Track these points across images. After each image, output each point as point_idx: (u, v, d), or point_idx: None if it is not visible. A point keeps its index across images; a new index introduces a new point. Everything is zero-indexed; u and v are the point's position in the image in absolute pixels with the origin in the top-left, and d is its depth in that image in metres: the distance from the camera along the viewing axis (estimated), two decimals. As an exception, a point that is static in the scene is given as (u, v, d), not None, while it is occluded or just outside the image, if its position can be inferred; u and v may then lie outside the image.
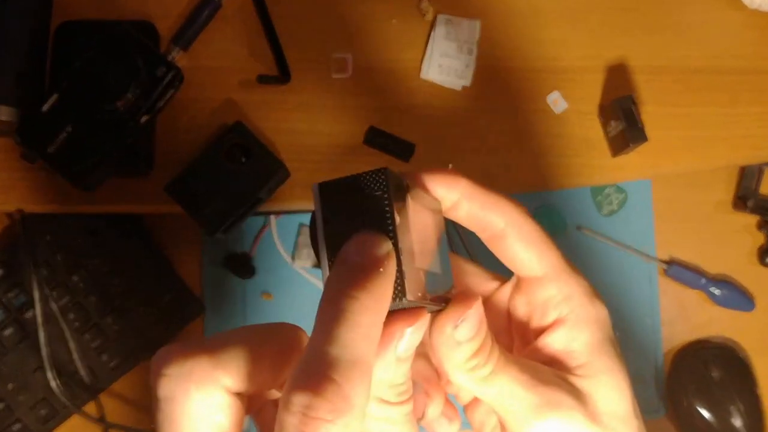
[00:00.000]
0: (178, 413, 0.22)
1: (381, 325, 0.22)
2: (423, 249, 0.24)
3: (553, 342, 0.27)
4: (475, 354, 0.24)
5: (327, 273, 0.23)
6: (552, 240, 0.27)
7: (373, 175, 0.23)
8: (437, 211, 0.26)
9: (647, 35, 0.53)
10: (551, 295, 0.27)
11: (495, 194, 0.27)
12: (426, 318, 0.24)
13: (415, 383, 0.25)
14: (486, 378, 0.25)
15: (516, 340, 0.30)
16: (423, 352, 0.27)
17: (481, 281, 0.30)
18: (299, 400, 0.19)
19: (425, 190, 0.26)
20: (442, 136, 0.52)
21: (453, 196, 0.26)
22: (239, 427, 0.24)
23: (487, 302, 0.30)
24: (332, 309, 0.21)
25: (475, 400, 0.29)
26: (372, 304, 0.21)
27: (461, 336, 0.24)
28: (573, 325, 0.27)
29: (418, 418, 0.26)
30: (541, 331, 0.28)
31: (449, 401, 0.28)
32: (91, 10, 0.52)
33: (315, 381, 0.19)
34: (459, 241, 0.65)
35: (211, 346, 0.23)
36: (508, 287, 0.30)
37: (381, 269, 0.21)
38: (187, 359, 0.23)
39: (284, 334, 0.25)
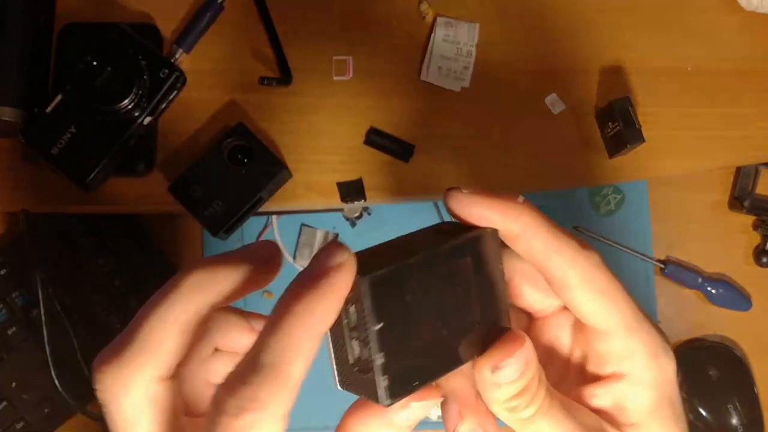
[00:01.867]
0: (116, 417, 0.23)
1: (316, 337, 0.21)
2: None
3: (607, 394, 0.25)
4: (518, 395, 0.22)
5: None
6: (624, 290, 0.24)
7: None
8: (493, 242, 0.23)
9: (645, 37, 0.54)
10: (613, 350, 0.25)
11: (562, 234, 0.24)
12: (437, 399, 0.23)
13: (448, 400, 0.24)
14: (527, 420, 0.23)
15: (570, 371, 0.27)
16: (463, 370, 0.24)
17: (545, 296, 0.27)
18: (219, 396, 0.20)
19: (469, 217, 0.23)
20: (441, 137, 0.52)
21: (511, 228, 0.23)
22: (178, 406, 0.24)
23: (548, 320, 0.28)
24: (271, 316, 0.21)
25: None
26: (304, 316, 0.21)
27: (501, 379, 0.22)
28: (631, 385, 0.25)
29: None
30: (595, 377, 0.25)
31: (487, 417, 0.25)
32: (94, 13, 0.52)
33: (234, 382, 0.20)
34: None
35: (135, 338, 0.23)
36: (570, 316, 0.27)
37: (325, 278, 0.20)
38: (112, 363, 0.23)
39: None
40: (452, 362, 0.23)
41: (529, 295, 0.27)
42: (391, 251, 0.23)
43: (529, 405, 0.23)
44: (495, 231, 0.23)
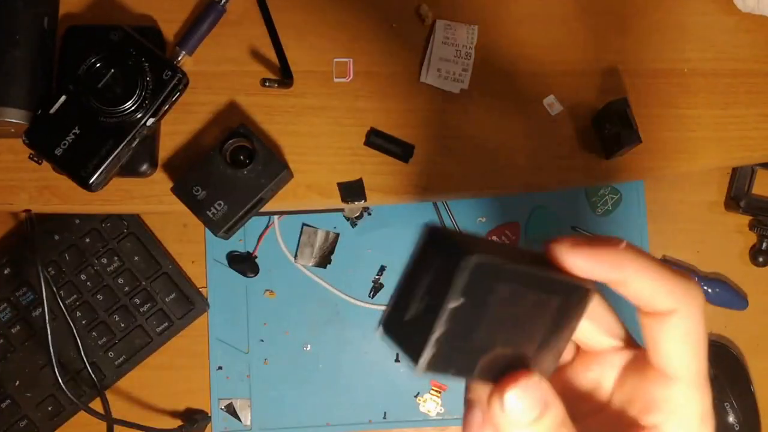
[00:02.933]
0: None
1: None
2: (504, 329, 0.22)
3: None
4: None
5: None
6: (707, 345, 0.24)
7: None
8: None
9: (642, 39, 0.54)
10: (668, 398, 0.24)
11: (672, 276, 0.23)
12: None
13: (474, 406, 0.24)
14: None
15: (604, 415, 0.26)
16: None
17: (596, 332, 0.26)
18: None
19: (574, 270, 0.23)
20: (440, 138, 0.53)
21: (619, 276, 0.23)
22: None
23: (596, 357, 0.27)
24: None
25: None
26: None
27: (511, 412, 0.22)
28: None
29: None
30: (632, 425, 0.25)
31: None
32: (97, 16, 0.53)
33: None
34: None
35: None
36: (624, 356, 0.26)
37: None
38: None
39: None
40: (489, 376, 0.23)
41: (585, 328, 0.26)
42: (502, 249, 0.23)
43: None
44: (592, 291, 0.23)
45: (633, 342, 0.26)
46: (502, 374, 0.22)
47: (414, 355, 0.21)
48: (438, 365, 0.21)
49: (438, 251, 0.21)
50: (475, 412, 0.24)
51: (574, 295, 0.23)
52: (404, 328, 0.22)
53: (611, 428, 0.25)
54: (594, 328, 0.26)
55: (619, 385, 0.26)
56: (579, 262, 0.23)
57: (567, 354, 0.28)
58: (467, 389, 0.25)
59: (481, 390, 0.24)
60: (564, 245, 0.23)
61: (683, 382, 0.24)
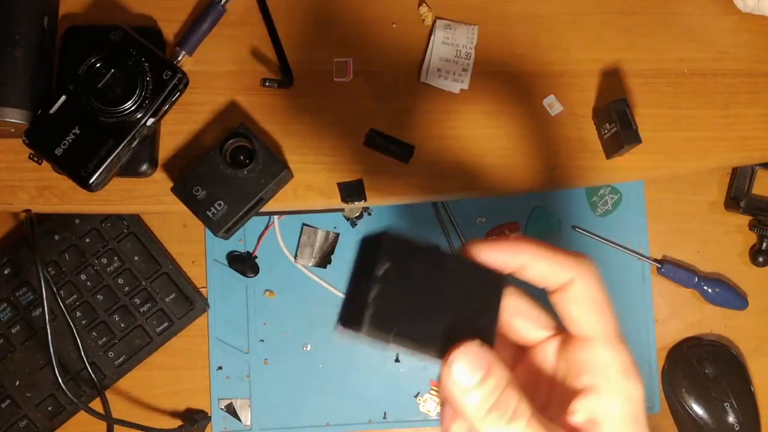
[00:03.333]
0: None
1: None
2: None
3: (583, 408, 0.27)
4: (496, 405, 0.24)
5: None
6: (612, 307, 0.27)
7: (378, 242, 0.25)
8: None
9: (641, 39, 0.54)
10: (591, 359, 0.27)
11: (562, 254, 0.27)
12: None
13: (445, 402, 0.26)
14: (525, 429, 0.24)
15: (554, 394, 0.29)
16: None
17: (530, 327, 0.30)
18: None
19: (484, 263, 0.27)
20: (440, 138, 0.53)
21: (516, 262, 0.27)
22: None
23: (536, 348, 0.30)
24: None
25: None
26: None
27: (462, 379, 0.24)
28: (604, 395, 0.27)
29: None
30: (574, 392, 0.27)
31: None
32: (97, 16, 0.53)
33: None
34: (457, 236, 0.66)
35: None
36: (556, 341, 0.29)
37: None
38: None
39: None
40: (431, 346, 0.25)
41: (520, 326, 0.30)
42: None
43: (511, 420, 0.24)
44: (504, 277, 0.27)
45: (563, 328, 0.29)
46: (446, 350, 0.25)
47: (359, 319, 0.24)
48: (382, 324, 0.24)
49: (368, 248, 0.26)
50: (447, 407, 0.27)
51: (491, 279, 0.27)
52: (353, 312, 0.25)
53: (559, 401, 0.28)
54: (527, 324, 0.30)
55: (557, 365, 0.29)
56: (484, 253, 0.27)
57: (512, 353, 0.31)
58: (441, 388, 0.27)
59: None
60: (473, 243, 0.27)
61: (598, 340, 0.27)
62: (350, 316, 0.25)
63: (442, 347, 0.25)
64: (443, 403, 0.27)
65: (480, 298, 0.26)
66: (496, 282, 0.27)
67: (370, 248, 0.26)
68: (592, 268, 0.27)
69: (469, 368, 0.24)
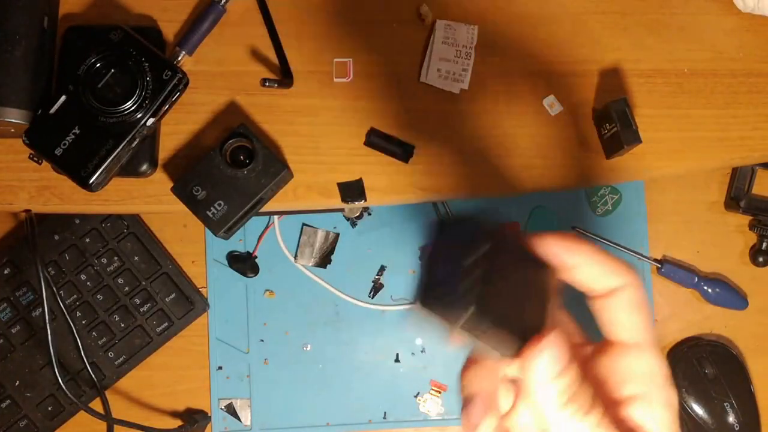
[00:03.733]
0: None
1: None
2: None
3: (632, 416, 0.27)
4: (574, 397, 0.25)
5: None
6: (651, 315, 0.29)
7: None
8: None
9: (642, 39, 0.54)
10: (636, 367, 0.28)
11: (615, 260, 0.28)
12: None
13: (475, 399, 0.27)
14: (593, 428, 0.25)
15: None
16: (494, 371, 0.28)
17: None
18: None
19: (543, 254, 0.27)
20: (440, 138, 0.53)
21: (571, 261, 0.27)
22: None
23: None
24: None
25: None
26: None
27: (547, 368, 0.25)
28: (651, 404, 0.27)
29: (471, 430, 0.27)
30: (615, 401, 0.28)
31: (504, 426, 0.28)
32: (97, 16, 0.53)
33: None
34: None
35: None
36: (588, 350, 0.30)
37: None
38: None
39: None
40: (509, 338, 0.25)
41: None
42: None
43: (590, 409, 0.25)
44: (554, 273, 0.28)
45: (590, 340, 0.30)
46: (524, 339, 0.25)
47: (454, 318, 0.24)
48: (481, 309, 0.24)
49: (454, 231, 0.26)
50: (476, 402, 0.27)
51: (545, 273, 0.27)
52: (441, 293, 0.25)
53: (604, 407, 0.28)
54: (564, 323, 0.29)
55: (596, 371, 0.29)
56: (549, 246, 0.27)
57: None
58: (463, 386, 0.28)
59: (484, 381, 0.27)
60: (539, 234, 0.27)
61: (644, 347, 0.27)
62: (446, 292, 0.25)
63: (520, 339, 0.25)
64: (470, 399, 0.27)
65: (538, 290, 0.27)
66: (548, 276, 0.27)
67: (460, 228, 0.26)
68: (639, 278, 0.28)
69: (553, 359, 0.25)
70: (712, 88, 0.54)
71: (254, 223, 0.66)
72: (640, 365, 0.28)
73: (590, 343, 0.30)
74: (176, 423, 0.63)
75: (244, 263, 0.66)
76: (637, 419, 0.27)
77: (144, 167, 0.51)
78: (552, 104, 0.53)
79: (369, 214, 0.67)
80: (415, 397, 0.66)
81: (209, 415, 0.65)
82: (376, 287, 0.67)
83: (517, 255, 0.26)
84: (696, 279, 0.65)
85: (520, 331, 0.25)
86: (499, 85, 0.53)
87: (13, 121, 0.49)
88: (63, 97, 0.48)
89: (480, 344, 0.26)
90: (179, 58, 0.52)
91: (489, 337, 0.25)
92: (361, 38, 0.53)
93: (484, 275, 0.24)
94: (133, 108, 0.47)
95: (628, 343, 0.28)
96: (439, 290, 0.25)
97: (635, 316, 0.27)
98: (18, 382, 0.63)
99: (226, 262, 0.66)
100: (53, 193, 0.52)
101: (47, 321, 0.55)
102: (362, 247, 0.67)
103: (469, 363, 0.28)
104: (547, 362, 0.25)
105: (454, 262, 0.25)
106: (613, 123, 0.50)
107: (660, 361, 0.28)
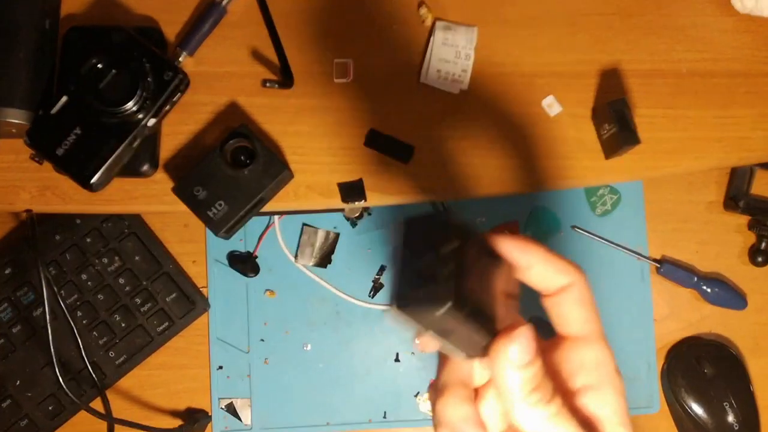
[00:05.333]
0: None
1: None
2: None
3: (586, 405, 0.28)
4: (538, 387, 0.26)
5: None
6: (597, 309, 0.30)
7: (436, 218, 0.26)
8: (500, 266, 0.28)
9: (640, 40, 0.54)
10: (586, 358, 0.29)
11: (564, 260, 0.29)
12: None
13: (447, 387, 0.28)
14: (554, 416, 0.26)
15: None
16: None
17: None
18: None
19: (499, 253, 0.28)
20: (440, 139, 0.53)
21: (526, 260, 0.29)
22: None
23: None
24: None
25: None
26: None
27: (515, 357, 0.26)
28: (603, 392, 0.29)
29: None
30: (568, 392, 0.29)
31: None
32: (98, 16, 0.53)
33: None
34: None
35: None
36: (542, 346, 0.31)
37: None
38: None
39: None
40: (485, 327, 0.26)
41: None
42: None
43: (551, 400, 0.26)
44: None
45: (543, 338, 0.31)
46: (493, 335, 0.26)
47: (438, 297, 0.24)
48: (460, 304, 0.24)
49: (422, 228, 0.26)
50: (453, 390, 0.28)
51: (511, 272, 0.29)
52: (415, 293, 0.25)
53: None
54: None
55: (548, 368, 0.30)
56: (505, 245, 0.28)
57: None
58: (440, 374, 0.29)
59: (457, 370, 0.29)
60: (496, 233, 0.29)
61: (591, 339, 0.29)
62: (421, 294, 0.25)
63: (490, 335, 0.26)
64: (443, 390, 0.29)
65: (504, 287, 0.28)
66: (511, 274, 0.29)
67: (427, 226, 0.26)
68: (584, 274, 0.29)
69: (523, 349, 0.26)
70: (710, 88, 0.54)
71: (255, 223, 0.66)
72: (589, 356, 0.29)
73: (543, 341, 0.31)
74: (177, 422, 0.63)
75: (244, 263, 0.66)
76: (591, 408, 0.28)
77: (145, 167, 0.51)
78: (551, 105, 0.53)
79: (369, 214, 0.67)
80: (415, 396, 0.66)
81: (210, 414, 0.65)
82: (376, 287, 0.67)
83: (485, 252, 0.27)
84: (695, 279, 0.66)
85: (490, 328, 0.26)
86: (498, 85, 0.53)
87: (15, 121, 0.49)
88: (64, 98, 0.48)
89: (449, 346, 0.27)
90: (180, 59, 0.52)
91: (459, 336, 0.26)
92: (362, 39, 0.53)
93: (457, 270, 0.25)
94: (134, 108, 0.48)
95: (578, 336, 0.29)
96: (414, 289, 0.25)
97: (583, 310, 0.29)
98: (19, 381, 0.63)
99: (226, 262, 0.66)
100: (54, 193, 0.52)
101: (48, 321, 0.55)
102: (362, 247, 0.67)
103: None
104: (517, 351, 0.26)
105: (427, 256, 0.25)
106: (612, 123, 0.50)
107: (608, 351, 0.29)
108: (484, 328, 0.26)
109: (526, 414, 0.26)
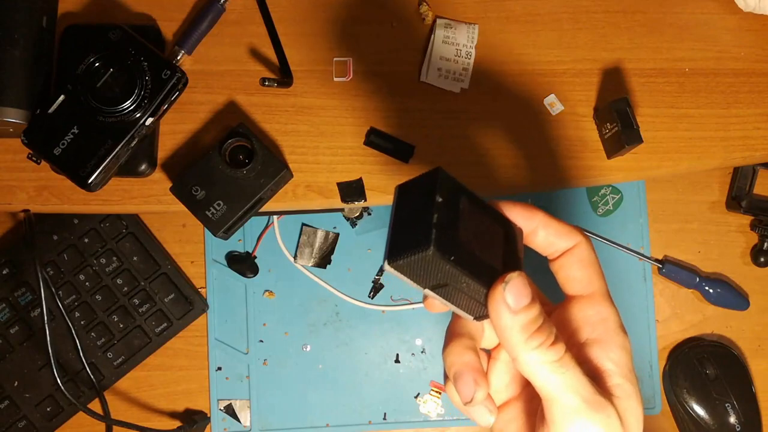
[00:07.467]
0: None
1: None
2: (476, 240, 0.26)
3: (591, 359, 0.29)
4: (538, 331, 0.26)
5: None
6: (602, 269, 0.31)
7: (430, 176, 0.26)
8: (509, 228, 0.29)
9: (643, 38, 0.54)
10: (591, 315, 0.30)
11: (566, 224, 0.30)
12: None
13: (463, 373, 0.29)
14: (557, 362, 0.26)
15: None
16: (472, 346, 0.29)
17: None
18: None
19: (509, 216, 0.29)
20: (440, 138, 0.53)
21: (530, 225, 0.30)
22: None
23: None
24: None
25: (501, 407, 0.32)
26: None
27: (512, 301, 0.26)
28: (606, 346, 0.29)
29: (466, 402, 0.28)
30: (574, 347, 0.30)
31: (491, 396, 0.30)
32: (96, 15, 0.53)
33: None
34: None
35: None
36: (553, 310, 0.32)
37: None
38: None
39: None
40: (481, 275, 0.26)
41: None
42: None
43: (552, 345, 0.26)
44: (521, 230, 0.30)
45: (550, 302, 0.33)
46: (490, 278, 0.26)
47: (421, 241, 0.24)
48: (444, 248, 0.24)
49: (413, 189, 0.26)
50: (466, 377, 0.28)
51: (511, 229, 0.29)
52: (410, 238, 0.25)
53: None
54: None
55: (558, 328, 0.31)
56: (510, 209, 0.29)
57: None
58: (448, 366, 0.29)
59: (467, 356, 0.29)
60: (502, 200, 0.30)
61: (595, 297, 0.30)
62: (407, 242, 0.25)
63: (490, 277, 0.26)
64: (460, 377, 0.29)
65: (509, 242, 0.28)
66: (515, 232, 0.29)
67: (417, 186, 0.26)
68: (587, 237, 0.30)
69: (518, 292, 0.26)
70: (713, 87, 0.54)
71: (254, 223, 0.66)
72: (593, 313, 0.30)
73: (551, 304, 0.32)
74: (175, 424, 0.63)
75: (243, 263, 0.65)
76: (594, 361, 0.29)
77: (143, 167, 0.51)
78: (553, 104, 0.53)
79: (369, 214, 0.67)
80: (415, 398, 0.66)
81: (208, 415, 0.65)
82: (376, 287, 0.66)
83: (483, 209, 0.28)
84: (697, 279, 0.65)
85: (487, 268, 0.26)
86: (499, 84, 0.53)
87: (12, 120, 0.48)
88: (62, 97, 0.48)
89: (453, 307, 0.27)
90: (178, 58, 0.51)
91: (460, 297, 0.26)
92: (361, 37, 0.53)
93: (446, 220, 0.25)
94: (131, 107, 0.47)
95: (583, 295, 0.30)
96: (403, 238, 0.25)
97: (587, 270, 0.30)
98: (17, 382, 0.63)
99: (225, 263, 0.66)
100: (52, 193, 0.52)
101: (46, 321, 0.55)
102: (362, 247, 0.67)
103: (449, 340, 0.30)
104: (512, 295, 0.26)
105: (416, 206, 0.25)
106: (614, 122, 0.50)
107: (613, 309, 0.30)
108: (485, 286, 0.26)
109: (527, 359, 0.26)
